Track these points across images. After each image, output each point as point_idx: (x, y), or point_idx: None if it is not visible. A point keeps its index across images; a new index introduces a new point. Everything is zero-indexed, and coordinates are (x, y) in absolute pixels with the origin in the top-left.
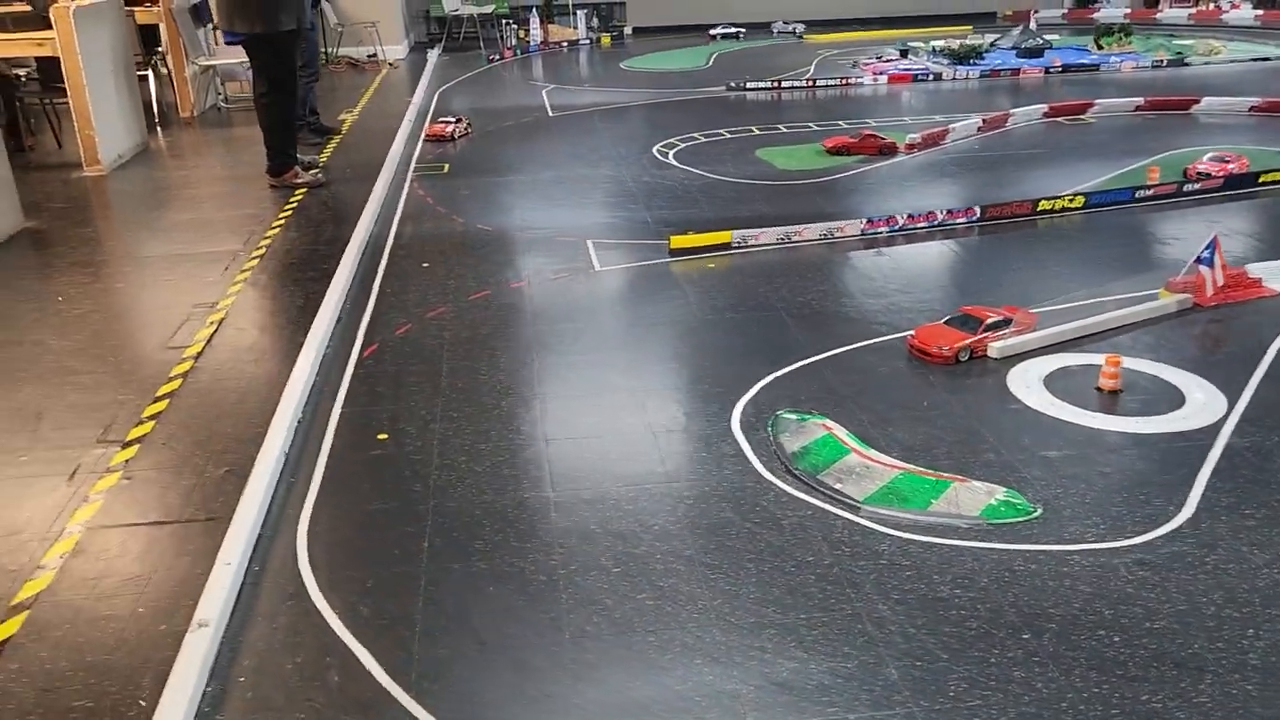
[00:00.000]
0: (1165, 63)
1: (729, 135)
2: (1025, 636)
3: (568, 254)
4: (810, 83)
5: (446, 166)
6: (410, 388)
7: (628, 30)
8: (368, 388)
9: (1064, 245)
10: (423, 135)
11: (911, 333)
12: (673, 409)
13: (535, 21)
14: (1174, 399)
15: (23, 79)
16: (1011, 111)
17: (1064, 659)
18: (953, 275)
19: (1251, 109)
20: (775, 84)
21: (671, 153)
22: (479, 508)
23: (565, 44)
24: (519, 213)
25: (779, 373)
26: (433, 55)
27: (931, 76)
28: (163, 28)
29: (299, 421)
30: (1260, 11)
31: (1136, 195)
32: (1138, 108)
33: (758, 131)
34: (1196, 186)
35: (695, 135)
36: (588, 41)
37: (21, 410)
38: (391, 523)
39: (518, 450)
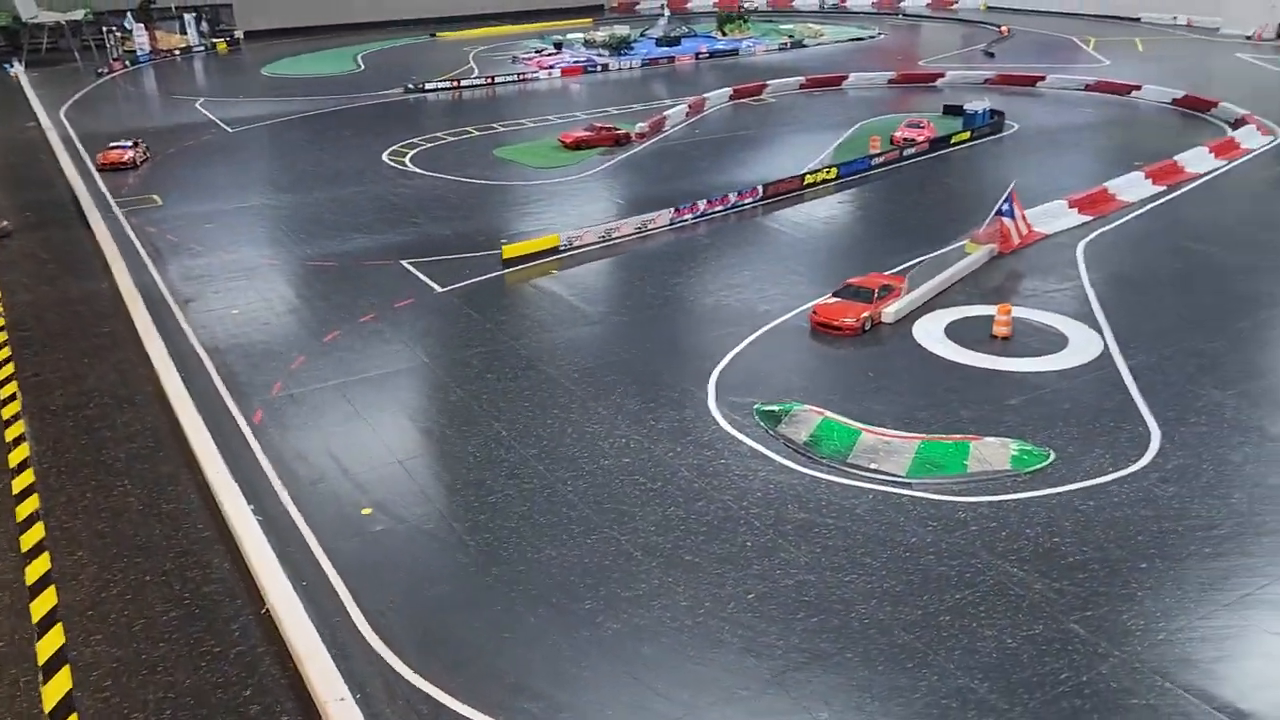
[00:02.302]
0: (790, 45)
1: (450, 138)
2: (1160, 562)
3: (393, 279)
4: (489, 80)
5: (158, 198)
6: (346, 450)
7: (239, 35)
8: (294, 456)
9: (843, 213)
10: (97, 164)
11: (810, 309)
12: (657, 420)
13: (140, 29)
14: (1058, 338)
15: None
16: (706, 96)
17: (1202, 569)
18: (784, 251)
19: (889, 81)
20: (455, 84)
21: (408, 160)
22: (555, 564)
23: (178, 52)
24: (298, 242)
25: (719, 368)
26: (18, 70)
27: (599, 68)
28: None
29: (259, 519)
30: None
31: (872, 163)
32: (802, 85)
33: (476, 132)
34: (913, 150)
35: (415, 140)
36: (203, 48)
37: None
38: (464, 602)
39: (535, 493)
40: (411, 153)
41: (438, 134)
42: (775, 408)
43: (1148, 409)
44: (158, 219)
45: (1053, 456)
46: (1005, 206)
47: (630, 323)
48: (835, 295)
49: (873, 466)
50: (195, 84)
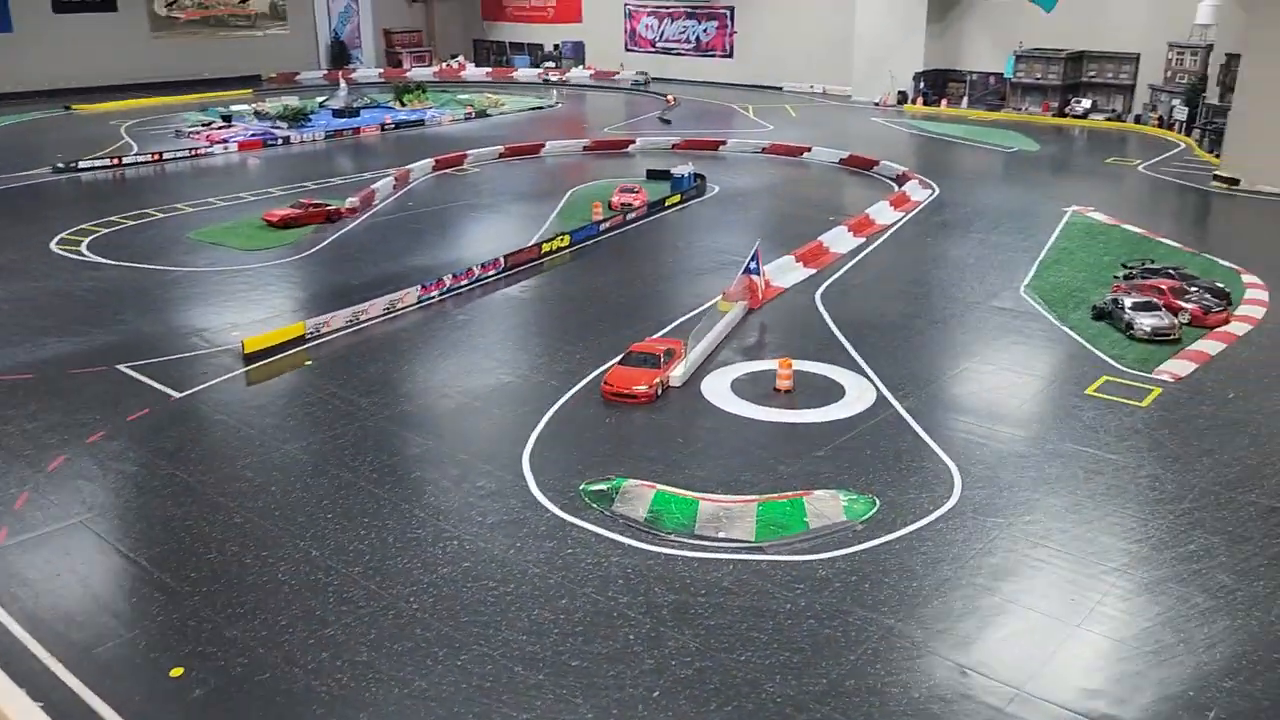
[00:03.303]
0: (474, 114)
1: (130, 222)
2: (1009, 592)
3: (114, 388)
4: (156, 156)
5: None
6: (121, 600)
7: None
8: (55, 618)
9: (588, 280)
10: None
11: (600, 380)
12: (483, 515)
13: None
14: (835, 386)
15: None
16: (410, 167)
17: (1048, 591)
18: (543, 323)
19: (585, 149)
20: (116, 161)
21: (85, 249)
22: (432, 697)
23: None
24: None
25: (527, 450)
26: None
27: (280, 140)
28: None
29: (40, 705)
30: (490, 69)
31: (601, 229)
32: (501, 154)
33: (159, 214)
34: (634, 214)
35: (87, 226)
36: None
37: None
38: None
39: (378, 617)
40: (87, 240)
41: (112, 218)
42: (603, 486)
43: (938, 446)
44: None
45: (878, 503)
46: (752, 265)
47: (415, 412)
48: (622, 363)
49: (721, 535)
50: None
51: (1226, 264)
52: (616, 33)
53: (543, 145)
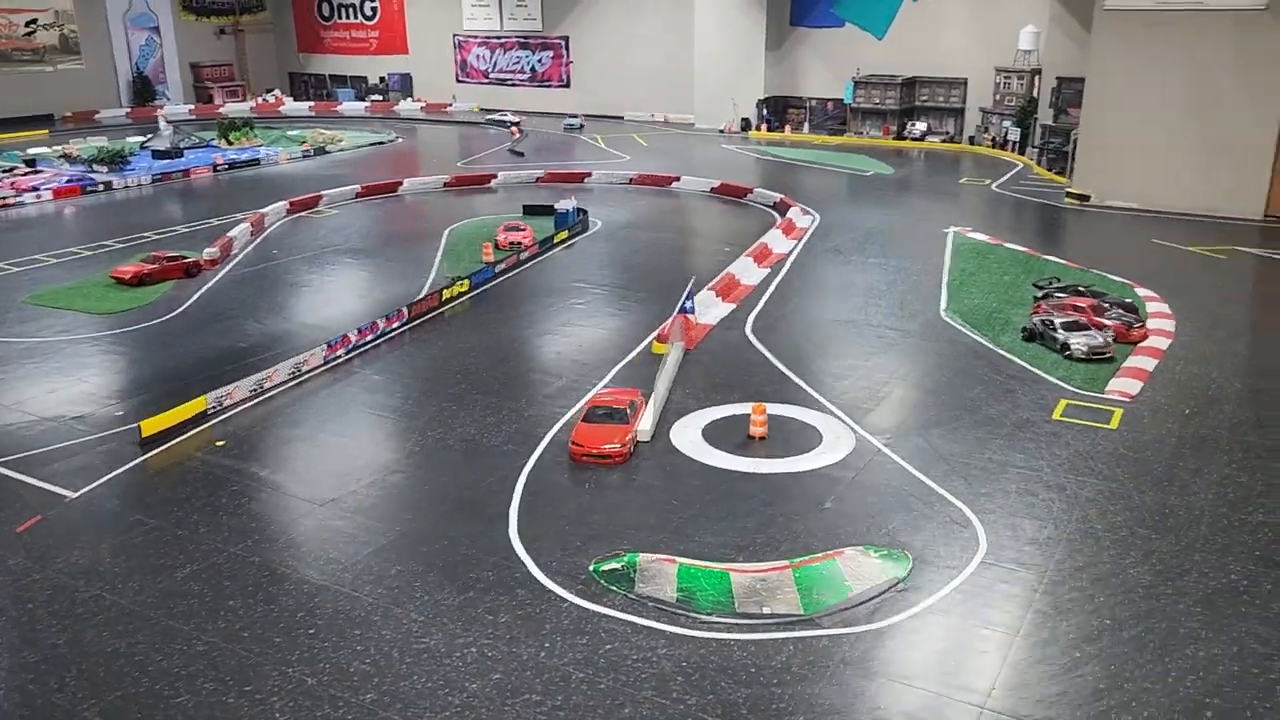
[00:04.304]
0: (313, 152)
1: None
2: (1089, 645)
3: None
4: None
5: None
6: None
7: None
8: None
9: (502, 327)
10: None
11: (568, 440)
12: (494, 613)
13: None
14: (808, 429)
15: None
16: (264, 211)
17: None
18: (470, 379)
19: (445, 185)
20: None
21: None
22: None
23: None
24: None
25: (512, 528)
26: None
27: (100, 186)
28: None
29: None
30: (312, 103)
31: (497, 270)
32: (358, 195)
33: None
34: (526, 254)
35: None
36: None
37: None
38: None
39: None
40: None
41: None
42: (615, 564)
43: (940, 486)
44: None
45: (911, 558)
46: (688, 304)
47: (365, 493)
48: (585, 420)
49: (766, 611)
50: None
51: (1118, 279)
52: (446, 64)
53: (400, 183)
